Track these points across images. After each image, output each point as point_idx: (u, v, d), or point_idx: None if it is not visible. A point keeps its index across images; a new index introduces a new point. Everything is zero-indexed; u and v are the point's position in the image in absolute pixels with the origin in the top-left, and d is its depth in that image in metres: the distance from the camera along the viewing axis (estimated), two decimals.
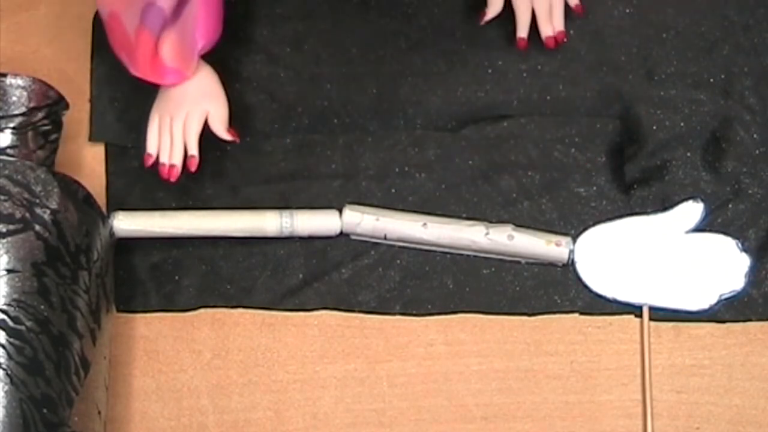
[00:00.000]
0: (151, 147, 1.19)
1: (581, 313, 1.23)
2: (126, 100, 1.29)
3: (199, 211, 1.23)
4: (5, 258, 1.04)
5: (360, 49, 1.30)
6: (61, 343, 1.05)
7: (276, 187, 1.26)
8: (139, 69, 1.13)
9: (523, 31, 1.23)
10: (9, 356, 1.01)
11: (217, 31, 1.17)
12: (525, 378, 1.22)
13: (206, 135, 1.19)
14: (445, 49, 1.29)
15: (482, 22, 1.24)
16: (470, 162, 1.27)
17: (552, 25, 1.23)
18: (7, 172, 1.09)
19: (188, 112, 1.17)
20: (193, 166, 1.18)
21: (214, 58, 1.19)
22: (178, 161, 1.18)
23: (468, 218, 1.24)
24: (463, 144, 1.27)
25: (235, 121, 1.20)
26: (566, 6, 1.24)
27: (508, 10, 1.23)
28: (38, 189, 1.09)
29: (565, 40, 1.24)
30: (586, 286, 1.23)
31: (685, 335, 1.22)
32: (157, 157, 1.19)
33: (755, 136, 1.26)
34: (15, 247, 1.05)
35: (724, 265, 1.23)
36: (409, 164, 1.27)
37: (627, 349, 1.22)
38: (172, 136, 1.18)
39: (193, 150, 1.18)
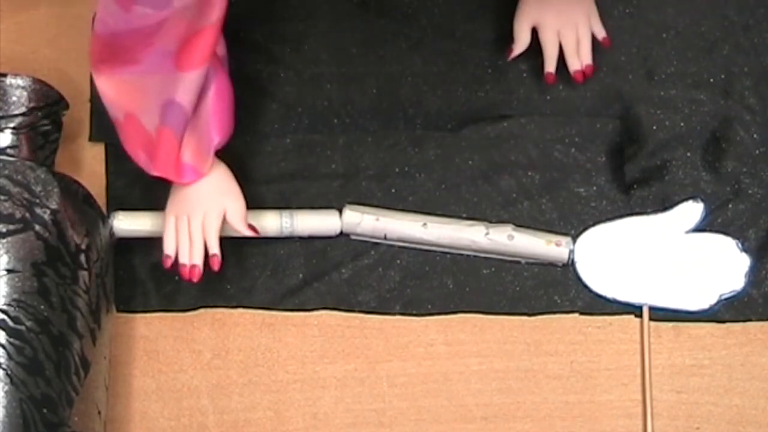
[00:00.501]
0: (169, 248, 1.15)
1: (581, 313, 1.23)
2: None
3: None
4: (5, 258, 1.04)
5: (360, 49, 1.30)
6: (61, 343, 1.05)
7: (276, 187, 1.26)
8: (160, 168, 1.10)
9: (551, 65, 1.23)
10: (9, 356, 1.01)
11: (231, 126, 1.15)
12: (525, 378, 1.22)
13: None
14: (445, 49, 1.30)
15: (509, 59, 1.24)
16: (470, 162, 1.27)
17: (580, 60, 1.23)
18: (7, 172, 1.09)
19: (206, 211, 1.14)
20: (216, 265, 1.14)
21: None
22: (199, 261, 1.14)
23: (468, 218, 1.24)
24: (463, 144, 1.27)
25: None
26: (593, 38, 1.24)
27: (535, 43, 1.23)
28: (38, 189, 1.09)
29: (593, 73, 1.24)
30: (586, 286, 1.23)
31: (685, 335, 1.22)
32: (176, 258, 1.15)
33: (755, 136, 1.27)
34: (15, 247, 1.05)
35: (724, 265, 1.23)
36: (409, 164, 1.27)
37: (627, 349, 1.22)
38: (190, 236, 1.14)
39: (215, 249, 1.14)
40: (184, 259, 1.14)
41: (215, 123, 1.12)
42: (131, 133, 1.10)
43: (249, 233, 1.17)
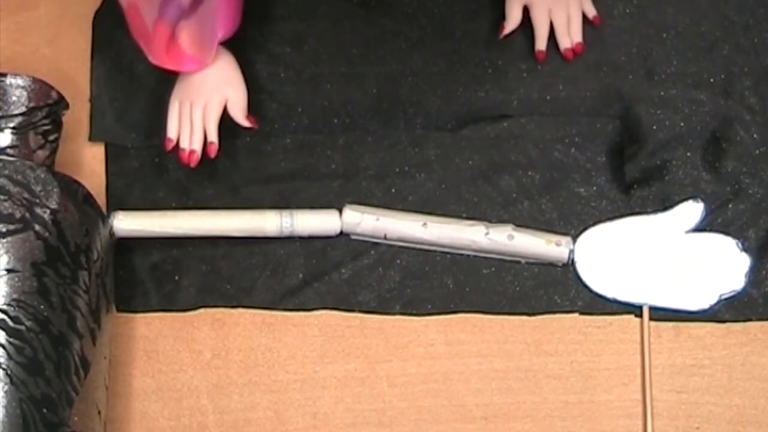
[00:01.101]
0: (172, 132, 1.20)
1: (581, 313, 1.23)
2: (126, 100, 1.29)
3: (199, 211, 1.23)
4: (5, 258, 1.04)
5: (360, 49, 1.30)
6: (61, 343, 1.05)
7: (276, 187, 1.26)
8: (156, 58, 1.15)
9: (541, 43, 1.25)
10: (9, 356, 1.01)
11: (236, 20, 1.18)
12: (525, 378, 1.22)
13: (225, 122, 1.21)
14: (445, 49, 1.30)
15: (502, 36, 1.25)
16: (470, 162, 1.27)
17: (570, 38, 1.25)
18: (7, 172, 1.09)
19: (208, 99, 1.19)
20: (212, 153, 1.19)
21: None
22: (198, 147, 1.19)
23: (468, 218, 1.24)
24: (463, 144, 1.27)
25: (234, 121, 1.21)
26: (584, 17, 1.26)
27: (527, 23, 1.25)
28: (38, 189, 1.09)
29: (583, 51, 1.25)
30: (586, 286, 1.23)
31: (685, 335, 1.22)
32: (177, 143, 1.20)
33: (755, 136, 1.27)
34: (15, 247, 1.05)
35: (724, 265, 1.23)
36: (409, 164, 1.27)
37: (627, 349, 1.22)
38: (192, 122, 1.19)
39: (213, 136, 1.19)
40: (184, 144, 1.20)
41: (220, 16, 1.15)
42: (133, 22, 1.13)
43: (247, 124, 1.21)
